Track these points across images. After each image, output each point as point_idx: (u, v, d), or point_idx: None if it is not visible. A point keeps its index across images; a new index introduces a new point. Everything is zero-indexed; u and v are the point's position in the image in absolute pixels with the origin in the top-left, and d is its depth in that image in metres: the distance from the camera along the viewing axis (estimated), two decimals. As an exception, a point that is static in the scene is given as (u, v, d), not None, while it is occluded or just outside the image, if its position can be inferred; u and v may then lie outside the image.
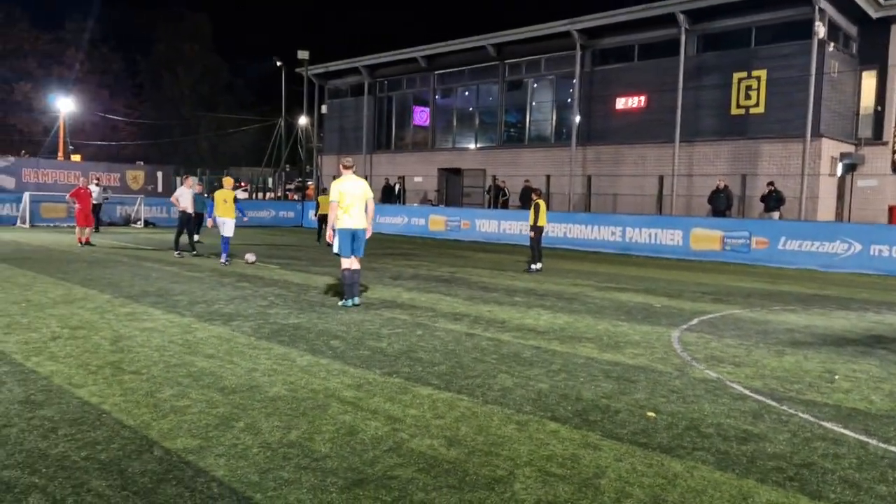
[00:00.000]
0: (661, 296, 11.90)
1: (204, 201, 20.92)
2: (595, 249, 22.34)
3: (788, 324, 9.43)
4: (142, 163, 43.38)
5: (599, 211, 25.69)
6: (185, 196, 16.47)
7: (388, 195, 31.27)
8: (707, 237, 20.40)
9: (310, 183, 41.17)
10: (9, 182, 27.37)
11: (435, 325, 8.48)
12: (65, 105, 46.72)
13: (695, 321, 9.39)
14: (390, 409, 5.05)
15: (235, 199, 14.92)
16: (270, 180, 43.66)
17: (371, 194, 9.70)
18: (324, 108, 38.95)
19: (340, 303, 9.74)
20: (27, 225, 25.35)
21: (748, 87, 23.02)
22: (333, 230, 9.63)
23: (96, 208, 24.52)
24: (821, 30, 21.23)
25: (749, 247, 19.49)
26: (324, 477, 3.82)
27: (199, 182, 24.07)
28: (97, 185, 26.39)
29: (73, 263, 14.00)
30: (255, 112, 58.16)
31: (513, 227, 25.43)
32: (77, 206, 18.41)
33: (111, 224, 27.96)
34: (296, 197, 40.49)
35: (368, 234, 9.69)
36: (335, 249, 9.62)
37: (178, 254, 16.23)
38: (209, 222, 15.73)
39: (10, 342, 6.78)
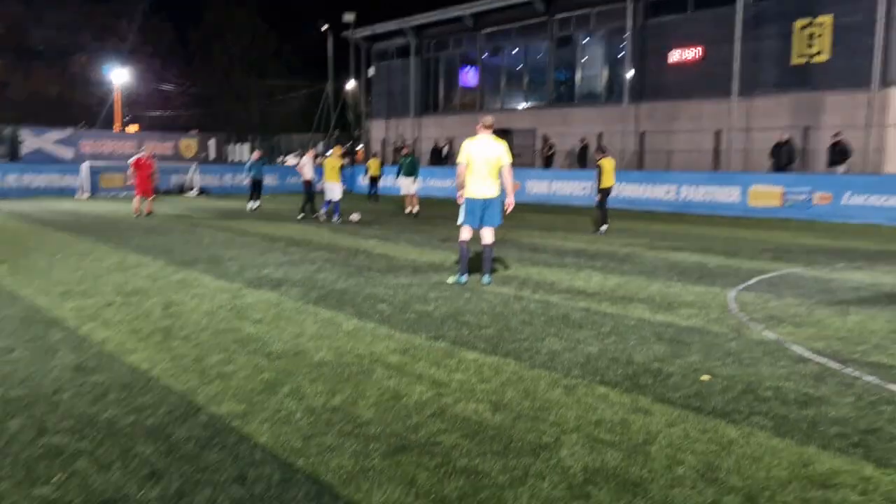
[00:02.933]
0: (717, 255, 11.52)
1: (261, 168, 21.23)
2: (649, 209, 21.80)
3: (853, 282, 9.00)
4: (196, 131, 44.07)
5: (653, 169, 25.02)
6: (307, 166, 18.24)
7: (437, 158, 31.07)
8: (766, 193, 19.68)
9: (359, 148, 41.19)
10: (67, 153, 28.13)
11: (482, 288, 8.36)
12: (119, 76, 47.59)
13: (753, 280, 9.05)
14: (435, 374, 4.97)
15: (342, 167, 16.94)
16: (320, 145, 43.84)
17: (508, 159, 8.33)
18: (371, 72, 38.73)
19: (451, 280, 8.61)
20: (86, 195, 26.06)
21: (811, 35, 21.85)
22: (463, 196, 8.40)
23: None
24: (891, -31, 19.91)
25: (811, 202, 18.73)
26: (367, 443, 3.78)
27: (257, 150, 24.43)
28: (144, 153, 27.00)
29: (129, 231, 14.32)
30: (304, 77, 58.27)
31: (563, 187, 25.01)
32: (135, 175, 18.32)
33: (166, 192, 28.55)
34: (345, 162, 40.59)
35: (510, 206, 8.43)
36: (460, 220, 8.50)
37: (301, 216, 17.91)
38: (318, 186, 17.88)
39: (65, 309, 6.95)
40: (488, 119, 8.49)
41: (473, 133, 8.61)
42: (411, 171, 19.55)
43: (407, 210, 19.60)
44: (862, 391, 4.68)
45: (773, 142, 21.09)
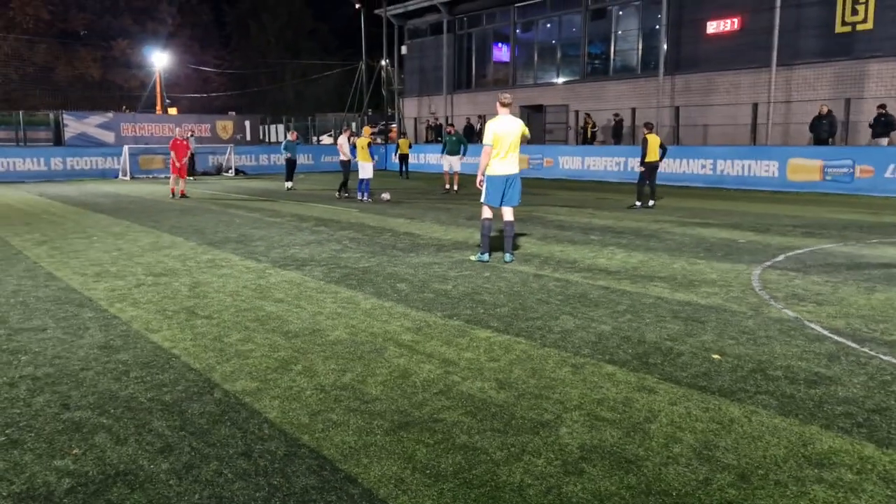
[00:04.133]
0: (747, 230, 11.35)
1: (295, 147, 21.54)
2: (683, 184, 21.46)
3: (885, 258, 8.81)
4: (233, 113, 44.59)
5: (689, 143, 24.58)
6: (345, 145, 18.50)
7: (470, 135, 30.97)
8: (805, 167, 19.20)
9: (392, 126, 41.25)
10: (108, 137, 28.78)
11: (503, 266, 8.41)
12: (159, 59, 48.32)
13: (780, 257, 8.91)
14: (446, 353, 5.06)
15: (370, 145, 17.05)
16: (354, 125, 44.12)
17: (528, 135, 8.54)
18: (403, 49, 38.63)
19: (474, 257, 8.75)
20: (128, 177, 26.69)
21: (855, 2, 21.09)
22: (485, 176, 8.44)
23: (191, 158, 25.93)
24: (940, -69, 19.06)
25: (852, 176, 18.23)
26: (371, 419, 3.89)
27: (292, 130, 24.74)
28: (191, 135, 27.64)
29: (164, 212, 14.67)
30: (338, 57, 58.45)
31: (597, 163, 24.76)
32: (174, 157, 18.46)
33: (204, 173, 29.06)
34: (379, 140, 40.70)
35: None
36: (482, 198, 8.53)
37: (339, 195, 18.25)
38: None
39: (98, 289, 7.21)
40: (507, 97, 8.45)
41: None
42: (455, 149, 19.66)
43: (447, 187, 19.75)
44: (875, 371, 4.63)
45: (813, 114, 20.53)
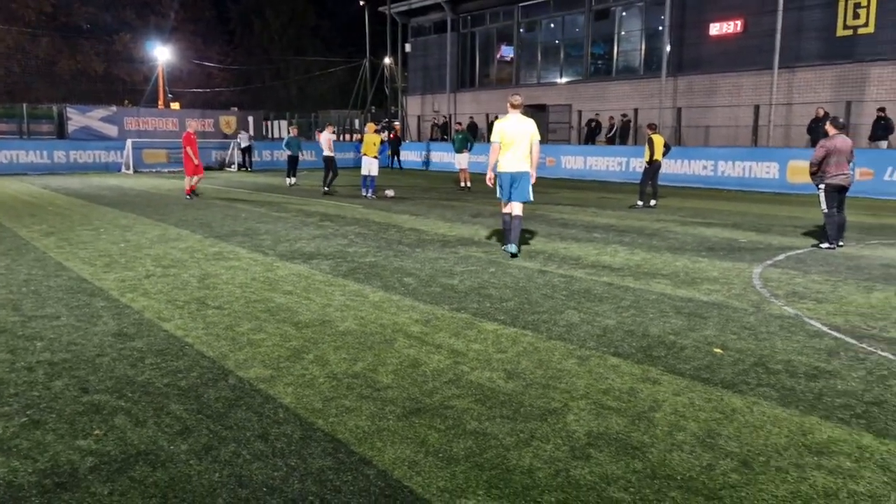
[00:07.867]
0: (748, 230, 11.46)
1: (299, 144, 21.68)
2: (684, 184, 21.57)
3: (884, 259, 8.92)
4: (236, 109, 44.66)
5: (690, 144, 24.69)
6: (327, 141, 18.63)
7: (474, 134, 31.04)
8: (805, 169, 19.24)
9: (396, 123, 41.36)
10: (112, 130, 28.86)
11: (508, 262, 8.51)
12: (162, 54, 48.34)
13: (781, 257, 9.02)
14: (454, 344, 5.17)
15: (383, 142, 16.83)
16: (357, 122, 44.15)
17: (538, 136, 8.71)
18: (407, 47, 38.71)
19: (503, 248, 9.16)
20: (131, 171, 26.78)
21: (857, 5, 21.18)
22: (495, 173, 8.85)
23: (248, 151, 28.93)
24: (943, -64, 19.15)
25: (852, 178, 18.26)
26: (383, 405, 4.00)
27: (294, 126, 24.88)
28: (245, 131, 29.46)
29: (170, 206, 14.77)
30: (341, 54, 58.57)
31: (599, 162, 24.87)
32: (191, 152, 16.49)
33: (207, 168, 29.11)
34: (382, 138, 40.80)
35: (532, 180, 8.80)
36: (497, 194, 8.97)
37: (326, 189, 18.41)
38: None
39: (108, 280, 7.31)
40: (517, 98, 8.75)
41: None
42: (462, 146, 19.83)
43: (461, 185, 19.90)
44: (874, 366, 4.74)
45: (812, 117, 20.63)
